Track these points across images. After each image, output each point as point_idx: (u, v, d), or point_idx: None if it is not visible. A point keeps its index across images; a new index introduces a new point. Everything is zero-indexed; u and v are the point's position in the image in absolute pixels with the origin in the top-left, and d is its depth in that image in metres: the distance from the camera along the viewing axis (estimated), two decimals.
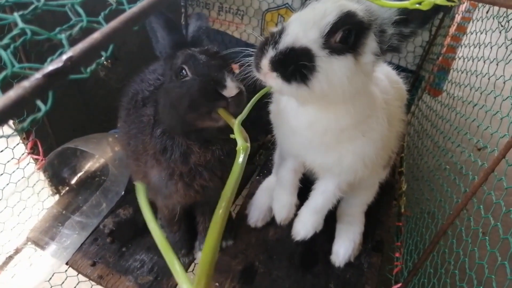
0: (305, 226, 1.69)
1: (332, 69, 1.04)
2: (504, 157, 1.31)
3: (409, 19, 1.09)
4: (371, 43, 1.10)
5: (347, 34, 1.05)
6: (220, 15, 3.18)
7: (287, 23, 1.08)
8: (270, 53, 1.04)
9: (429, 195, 2.15)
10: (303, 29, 1.04)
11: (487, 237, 1.40)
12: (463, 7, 2.46)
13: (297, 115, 1.33)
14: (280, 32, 1.06)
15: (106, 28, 0.50)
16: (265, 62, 1.05)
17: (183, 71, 1.34)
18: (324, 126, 1.29)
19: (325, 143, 1.36)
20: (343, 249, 1.90)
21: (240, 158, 0.80)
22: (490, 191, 1.43)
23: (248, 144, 0.89)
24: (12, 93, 0.41)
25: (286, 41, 1.03)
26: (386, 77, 1.52)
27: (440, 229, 1.63)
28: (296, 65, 1.02)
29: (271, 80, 1.07)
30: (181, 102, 1.31)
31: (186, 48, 1.42)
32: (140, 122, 1.56)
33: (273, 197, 1.83)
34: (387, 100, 1.39)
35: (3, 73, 0.50)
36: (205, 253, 0.59)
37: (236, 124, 0.99)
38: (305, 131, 1.35)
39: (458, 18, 2.51)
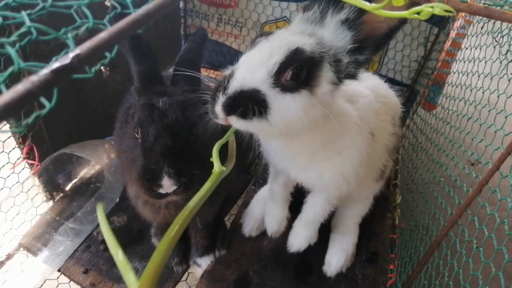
0: (298, 239, 1.73)
1: (285, 105, 1.03)
2: (498, 169, 1.33)
3: (363, 46, 1.11)
4: (326, 74, 1.09)
5: (298, 71, 1.03)
6: (219, 26, 3.21)
7: (236, 66, 1.08)
8: (221, 99, 1.04)
9: (423, 207, 2.16)
10: (249, 72, 1.04)
11: (481, 249, 1.40)
12: (458, 24, 2.51)
13: (271, 142, 1.38)
14: (229, 76, 1.05)
15: (113, 28, 0.51)
16: (218, 109, 1.05)
17: (137, 132, 1.34)
18: (295, 150, 1.33)
19: (301, 163, 1.39)
20: (335, 259, 1.90)
21: (209, 182, 0.83)
22: (484, 203, 1.44)
23: (224, 168, 0.92)
24: (21, 87, 0.42)
25: (233, 86, 1.03)
26: (373, 91, 1.53)
27: (434, 240, 1.64)
28: (250, 104, 1.01)
29: (233, 122, 1.06)
30: (131, 173, 1.36)
31: (151, 94, 1.37)
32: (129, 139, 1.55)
33: (265, 210, 1.86)
34: (366, 117, 1.39)
35: (10, 69, 0.50)
36: (152, 261, 0.61)
37: (214, 150, 1.05)
38: (281, 153, 1.39)
39: (453, 34, 2.55)
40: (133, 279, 0.58)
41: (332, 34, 1.12)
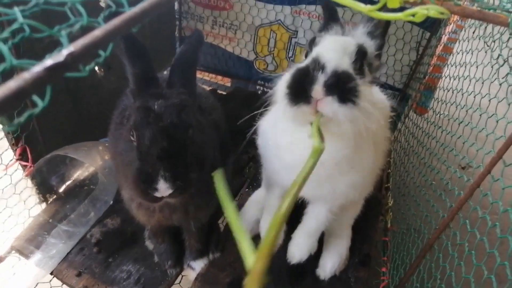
0: (300, 249, 1.71)
1: (366, 92, 1.08)
2: (490, 173, 1.35)
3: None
4: (367, 73, 1.19)
5: (361, 64, 1.13)
6: (214, 29, 3.23)
7: (319, 53, 1.08)
8: (321, 78, 1.02)
9: (415, 210, 2.17)
10: (339, 56, 1.07)
11: (473, 252, 1.41)
12: (449, 28, 2.54)
13: (293, 151, 1.34)
14: (317, 60, 1.05)
15: (107, 25, 0.51)
16: (318, 88, 1.01)
17: (133, 135, 1.33)
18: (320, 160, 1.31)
19: (317, 179, 1.37)
20: (330, 263, 1.90)
21: (312, 159, 0.82)
22: (476, 206, 1.46)
23: (323, 146, 0.89)
24: (13, 84, 0.42)
25: (331, 66, 1.03)
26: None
27: (426, 243, 1.65)
28: (348, 86, 1.02)
29: (325, 106, 1.03)
30: (126, 176, 1.35)
31: (147, 96, 1.36)
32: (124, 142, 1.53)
33: (260, 223, 1.89)
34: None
35: (2, 66, 0.50)
36: (268, 233, 0.61)
37: (314, 124, 1.00)
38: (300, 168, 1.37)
39: (444, 39, 2.58)
40: (250, 252, 0.60)
41: (365, 41, 1.21)
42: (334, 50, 1.09)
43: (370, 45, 1.22)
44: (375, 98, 1.19)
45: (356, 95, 1.02)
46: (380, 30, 1.25)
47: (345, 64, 1.07)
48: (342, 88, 1.02)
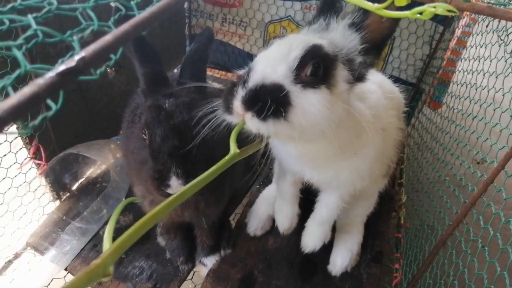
0: (313, 239, 1.71)
1: (308, 102, 1.00)
2: (503, 168, 1.33)
3: (370, 48, 1.13)
4: (341, 73, 1.10)
5: (316, 67, 1.03)
6: (224, 26, 3.23)
7: (254, 63, 1.05)
8: (240, 93, 0.99)
9: (428, 206, 2.15)
10: (270, 66, 1.02)
11: (486, 248, 1.40)
12: (463, 22, 2.50)
13: (287, 146, 1.35)
14: (248, 72, 1.02)
15: (117, 30, 0.52)
16: (237, 104, 0.99)
17: (145, 133, 1.35)
18: (312, 154, 1.32)
19: (317, 165, 1.39)
20: (340, 258, 1.90)
21: (220, 162, 0.81)
22: (490, 202, 1.44)
23: (238, 151, 0.89)
24: (27, 90, 0.43)
25: (255, 79, 0.99)
26: (379, 86, 1.53)
27: (439, 240, 1.64)
28: (270, 101, 0.96)
29: (248, 121, 0.99)
30: (139, 174, 1.38)
31: (159, 95, 1.38)
32: (136, 140, 1.54)
33: (274, 208, 1.86)
34: (378, 114, 1.38)
35: (17, 72, 0.51)
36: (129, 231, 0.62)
37: (234, 130, 1.00)
38: (297, 157, 1.38)
39: (458, 32, 2.54)
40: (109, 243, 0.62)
41: (342, 36, 1.14)
42: (268, 58, 1.04)
43: (350, 40, 1.13)
44: (340, 108, 1.08)
45: (281, 110, 0.96)
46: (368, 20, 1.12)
47: (278, 73, 1.00)
48: (262, 103, 0.96)
